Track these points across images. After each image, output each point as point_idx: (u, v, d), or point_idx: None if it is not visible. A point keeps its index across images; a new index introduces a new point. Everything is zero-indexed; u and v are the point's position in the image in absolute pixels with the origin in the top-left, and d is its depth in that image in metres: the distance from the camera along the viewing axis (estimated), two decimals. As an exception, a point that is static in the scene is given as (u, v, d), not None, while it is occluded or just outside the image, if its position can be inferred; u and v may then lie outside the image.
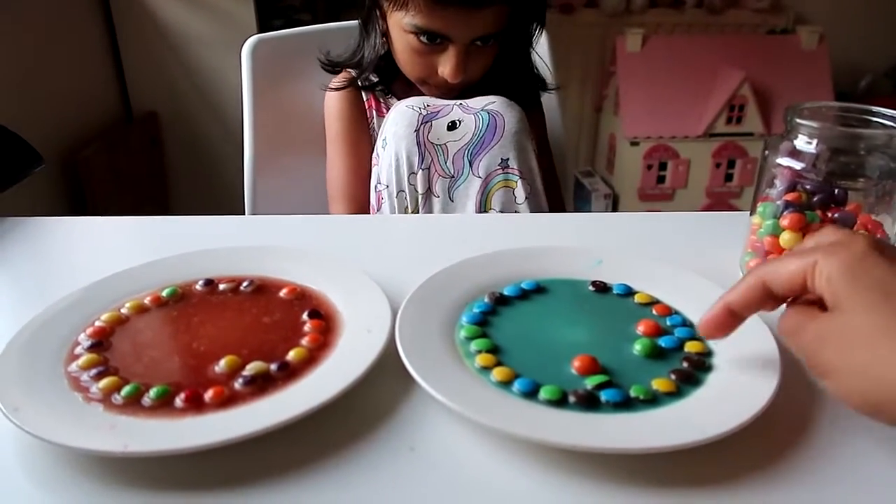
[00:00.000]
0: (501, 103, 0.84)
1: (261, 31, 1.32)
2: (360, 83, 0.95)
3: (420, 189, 0.82)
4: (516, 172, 0.82)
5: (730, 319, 0.40)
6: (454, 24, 0.82)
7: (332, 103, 0.97)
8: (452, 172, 0.82)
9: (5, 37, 1.53)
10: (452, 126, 0.82)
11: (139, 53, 1.93)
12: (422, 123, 0.82)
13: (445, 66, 0.85)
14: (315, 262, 0.56)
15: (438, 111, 0.83)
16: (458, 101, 0.86)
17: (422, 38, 0.84)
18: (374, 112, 0.96)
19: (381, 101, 0.96)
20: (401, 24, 0.85)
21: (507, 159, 0.82)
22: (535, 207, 0.84)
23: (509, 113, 0.83)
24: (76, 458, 0.38)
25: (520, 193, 0.82)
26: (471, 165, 0.82)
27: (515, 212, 0.83)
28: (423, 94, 0.91)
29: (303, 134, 1.04)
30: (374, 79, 0.96)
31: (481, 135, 0.81)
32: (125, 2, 1.88)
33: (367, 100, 0.96)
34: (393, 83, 0.97)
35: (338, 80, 0.96)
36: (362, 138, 0.96)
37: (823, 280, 0.34)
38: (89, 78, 1.86)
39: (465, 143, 0.81)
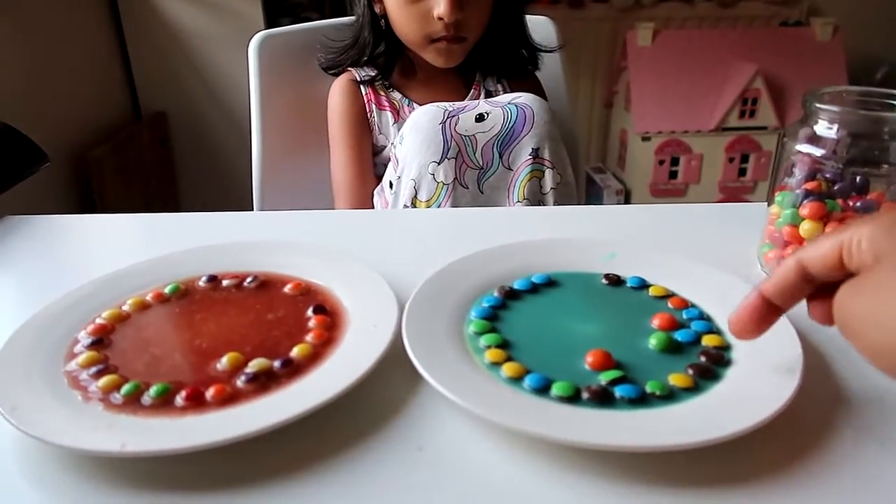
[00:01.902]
0: (529, 97, 0.84)
1: (268, 29, 1.31)
2: (358, 78, 0.96)
3: (444, 179, 0.81)
4: (546, 162, 0.82)
5: (765, 311, 0.37)
6: None
7: (334, 102, 0.98)
8: (482, 164, 0.81)
9: (14, 37, 1.53)
10: (480, 118, 0.81)
11: (147, 53, 1.93)
12: (448, 117, 0.81)
13: (440, 5, 0.86)
14: (320, 257, 0.55)
15: (465, 106, 0.83)
16: (484, 99, 0.87)
17: None
18: (374, 105, 0.96)
19: (382, 94, 0.96)
20: None
21: (538, 149, 0.81)
22: (564, 199, 0.83)
23: (538, 105, 0.83)
24: (74, 458, 0.37)
25: (547, 183, 0.82)
26: (500, 157, 0.81)
27: (541, 202, 0.82)
28: (426, 84, 0.94)
29: (310, 130, 1.03)
30: (372, 73, 0.96)
31: (511, 126, 0.81)
32: (133, 1, 1.88)
33: (366, 93, 0.96)
34: (391, 75, 0.97)
35: (339, 80, 0.98)
36: (364, 136, 0.96)
37: (863, 246, 0.33)
38: (98, 77, 1.86)
39: (494, 135, 0.81)
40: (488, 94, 0.97)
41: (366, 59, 0.96)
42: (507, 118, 0.81)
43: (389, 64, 0.97)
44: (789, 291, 0.36)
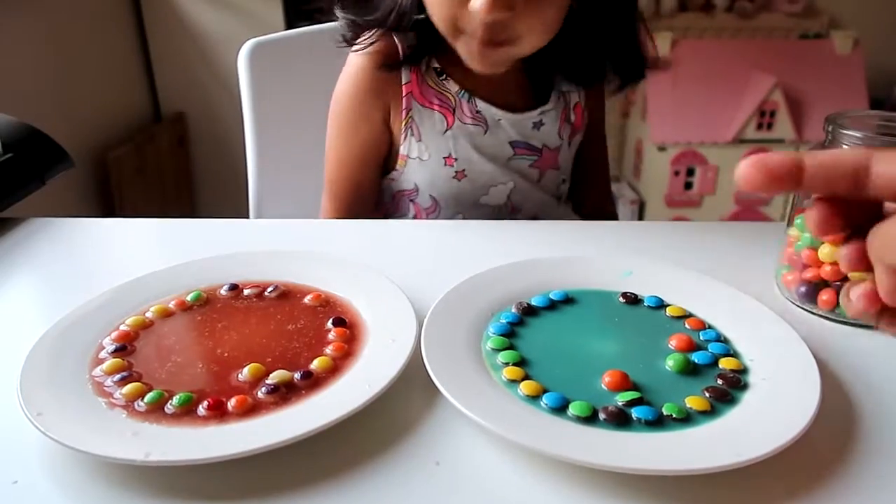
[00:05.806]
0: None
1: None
2: (400, 52, 0.70)
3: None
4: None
5: (787, 172, 0.26)
6: None
7: (346, 85, 0.74)
8: None
9: (37, 38, 1.55)
10: None
11: (169, 54, 1.95)
12: None
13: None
14: (340, 268, 0.55)
15: None
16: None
17: None
18: (416, 101, 0.71)
19: (431, 84, 0.71)
20: None
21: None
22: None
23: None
24: (98, 465, 0.38)
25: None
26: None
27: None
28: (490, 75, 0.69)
29: (305, 137, 0.96)
30: (414, 42, 0.71)
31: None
32: (156, 4, 1.90)
33: (408, 82, 0.71)
34: (439, 49, 0.70)
35: (364, 55, 0.72)
36: (377, 135, 0.74)
37: None
38: (119, 78, 1.88)
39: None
40: (563, 97, 0.77)
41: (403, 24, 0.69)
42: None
43: (434, 33, 0.67)
44: (833, 177, 0.26)
